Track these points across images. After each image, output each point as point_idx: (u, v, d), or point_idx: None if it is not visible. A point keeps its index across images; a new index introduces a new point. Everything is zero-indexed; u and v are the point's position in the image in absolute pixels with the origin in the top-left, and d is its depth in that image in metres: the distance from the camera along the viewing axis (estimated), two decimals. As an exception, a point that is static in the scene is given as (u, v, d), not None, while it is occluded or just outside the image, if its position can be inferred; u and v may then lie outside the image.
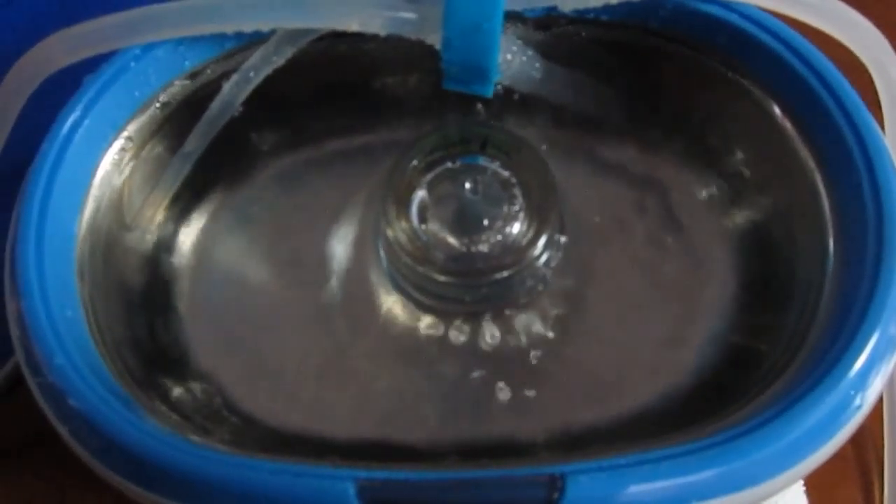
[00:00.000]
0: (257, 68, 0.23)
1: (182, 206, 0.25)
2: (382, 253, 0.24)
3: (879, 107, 0.22)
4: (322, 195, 0.25)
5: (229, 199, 0.26)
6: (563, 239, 0.23)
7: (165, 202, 0.24)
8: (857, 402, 0.18)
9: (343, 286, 0.24)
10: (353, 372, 0.23)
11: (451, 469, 0.18)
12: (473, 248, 0.22)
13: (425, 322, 0.24)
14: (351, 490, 0.17)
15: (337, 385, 0.23)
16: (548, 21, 0.23)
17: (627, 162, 0.25)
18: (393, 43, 0.22)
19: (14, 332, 0.20)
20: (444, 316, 0.23)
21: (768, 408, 0.18)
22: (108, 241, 0.23)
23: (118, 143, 0.23)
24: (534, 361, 0.23)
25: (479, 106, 0.25)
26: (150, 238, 0.24)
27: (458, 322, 0.23)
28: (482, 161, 0.23)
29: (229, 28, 0.22)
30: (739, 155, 0.24)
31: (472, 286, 0.22)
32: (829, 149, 0.21)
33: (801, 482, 0.24)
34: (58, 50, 0.22)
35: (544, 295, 0.23)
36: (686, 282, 0.23)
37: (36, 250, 0.20)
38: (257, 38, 0.23)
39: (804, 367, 0.19)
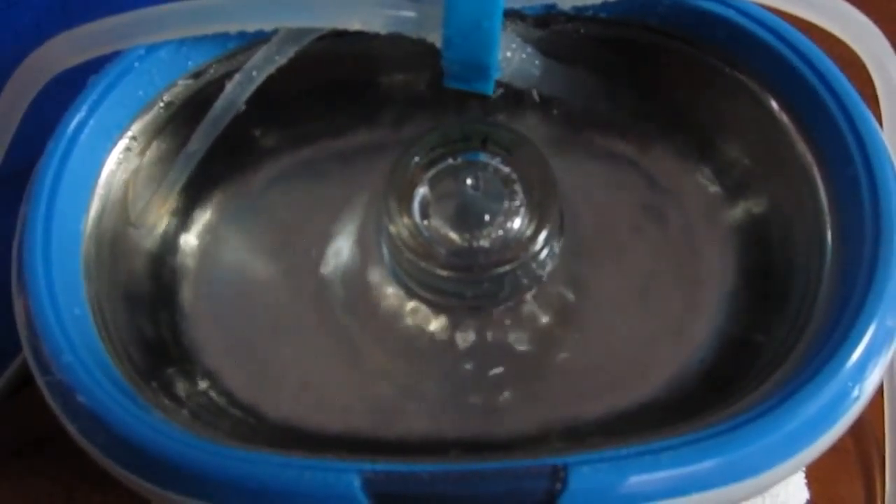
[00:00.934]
0: (260, 68, 0.23)
1: (186, 205, 0.25)
2: (385, 249, 0.24)
3: (878, 101, 0.23)
4: (325, 192, 0.26)
5: (233, 198, 0.26)
6: (562, 234, 0.24)
7: (170, 201, 0.24)
8: (856, 393, 0.18)
9: (346, 282, 0.24)
10: (357, 367, 0.23)
11: (455, 461, 0.18)
12: (475, 244, 0.22)
13: (428, 317, 0.24)
14: (356, 482, 0.17)
15: (341, 380, 0.23)
16: (547, 18, 0.23)
17: (626, 157, 0.25)
18: (394, 41, 0.22)
19: (22, 330, 0.20)
20: (447, 311, 0.24)
21: (767, 398, 0.18)
22: (113, 240, 0.23)
23: (123, 143, 0.23)
24: (536, 355, 0.23)
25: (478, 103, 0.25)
26: (155, 236, 0.25)
27: (460, 317, 0.23)
28: (483, 157, 0.23)
29: (232, 28, 0.22)
30: (738, 149, 0.24)
31: (473, 281, 0.23)
32: (827, 143, 0.21)
33: (803, 475, 0.24)
34: (62, 51, 0.22)
35: (545, 289, 0.24)
36: (685, 275, 0.24)
37: (43, 249, 0.20)
38: (260, 38, 0.23)
39: (803, 358, 0.19)
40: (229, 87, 0.23)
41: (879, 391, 0.23)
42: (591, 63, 0.24)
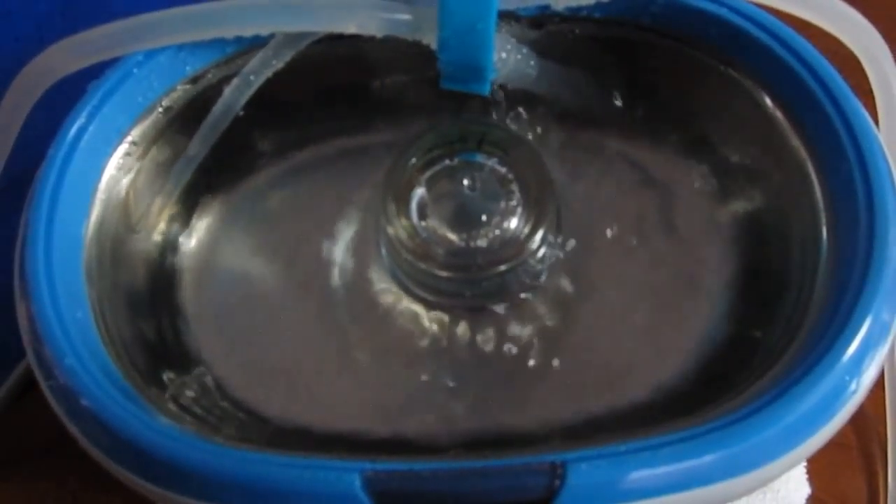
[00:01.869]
0: (258, 72, 0.23)
1: (186, 208, 0.25)
2: (384, 250, 0.24)
3: (871, 96, 0.23)
4: (324, 195, 0.26)
5: (232, 201, 0.26)
6: (560, 233, 0.24)
7: (170, 204, 0.25)
8: (853, 386, 0.18)
9: (345, 283, 0.25)
10: (357, 367, 0.23)
11: (455, 459, 0.18)
12: (472, 244, 0.23)
13: (427, 317, 0.24)
14: (357, 481, 0.17)
15: (341, 380, 0.23)
16: (541, 19, 0.24)
17: (622, 155, 0.25)
18: (390, 44, 0.22)
19: (25, 335, 0.20)
20: (446, 310, 0.24)
21: (765, 393, 0.18)
22: (114, 244, 0.23)
23: (123, 148, 0.23)
24: (534, 354, 0.23)
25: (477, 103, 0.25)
26: (156, 240, 0.25)
27: (458, 316, 0.24)
28: (480, 158, 0.23)
29: (229, 33, 0.22)
30: (732, 146, 0.24)
31: (472, 281, 0.23)
32: (820, 138, 0.21)
33: (804, 470, 0.24)
34: (62, 58, 0.22)
35: (543, 288, 0.24)
36: (682, 272, 0.24)
37: (45, 254, 0.20)
38: (257, 43, 0.23)
39: (800, 352, 0.19)
40: (227, 91, 0.23)
41: (881, 385, 0.24)
42: (586, 63, 0.24)
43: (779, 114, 0.22)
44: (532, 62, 0.23)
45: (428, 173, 0.23)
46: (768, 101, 0.22)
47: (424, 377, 0.23)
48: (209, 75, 0.24)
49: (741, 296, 0.23)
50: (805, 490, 0.24)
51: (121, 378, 0.20)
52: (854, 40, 0.22)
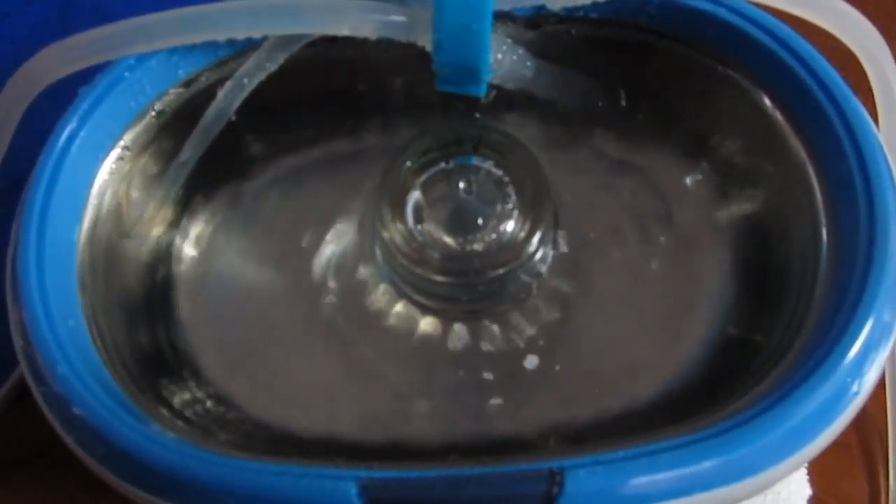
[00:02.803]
0: (251, 75, 0.23)
1: (180, 213, 0.25)
2: (379, 255, 0.24)
3: (870, 94, 0.23)
4: (318, 199, 0.26)
5: (226, 205, 0.26)
6: (557, 235, 0.24)
7: (163, 209, 0.24)
8: (855, 388, 0.18)
9: (341, 289, 0.24)
10: (354, 373, 0.23)
11: (452, 467, 0.18)
12: (469, 248, 0.22)
13: (424, 322, 0.24)
14: (353, 489, 0.17)
15: (338, 387, 0.23)
16: (537, 20, 0.23)
17: (620, 157, 0.25)
18: (384, 46, 0.22)
19: (17, 342, 0.20)
20: (443, 315, 0.24)
21: (766, 396, 0.18)
22: (107, 250, 0.23)
23: (115, 153, 0.23)
24: (532, 359, 0.23)
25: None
26: (150, 245, 0.25)
27: (456, 321, 0.23)
28: (475, 161, 0.23)
29: (221, 36, 0.22)
30: (732, 147, 0.24)
31: (468, 285, 0.23)
32: (820, 138, 0.21)
33: (805, 472, 0.24)
34: (53, 62, 0.22)
35: (541, 292, 0.24)
36: (681, 275, 0.23)
37: (36, 260, 0.20)
38: (250, 46, 0.23)
39: (801, 355, 0.19)
40: (220, 95, 0.23)
41: (882, 386, 0.23)
42: (583, 63, 0.24)
43: (778, 114, 0.22)
44: (528, 63, 0.23)
45: (423, 177, 0.23)
46: (767, 101, 0.22)
47: (421, 383, 0.23)
48: (202, 79, 0.24)
49: (741, 298, 0.23)
50: (806, 491, 0.24)
51: (114, 385, 0.20)
52: (853, 38, 0.22)
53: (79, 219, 0.22)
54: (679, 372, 0.22)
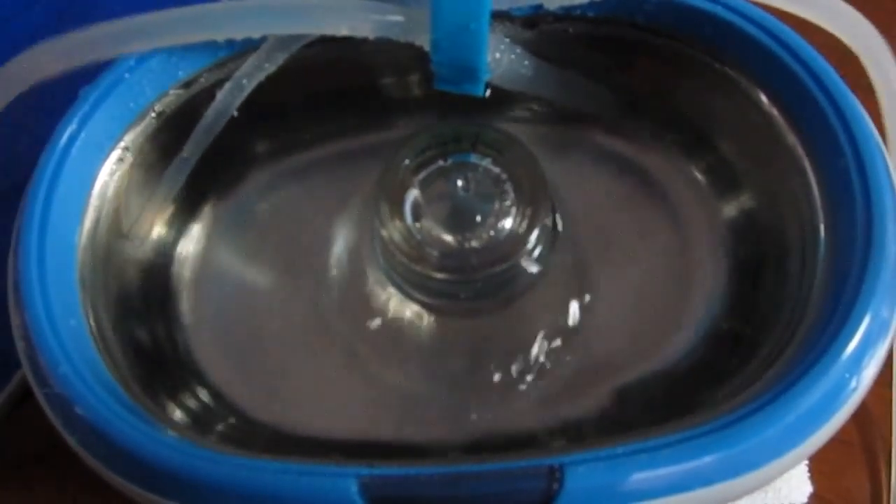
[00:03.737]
0: (250, 75, 0.23)
1: (180, 214, 0.25)
2: (378, 253, 0.24)
3: (867, 91, 0.23)
4: (318, 198, 0.26)
5: (226, 205, 0.26)
6: (556, 232, 0.24)
7: (164, 210, 0.25)
8: (853, 383, 0.18)
9: (341, 287, 0.24)
10: (353, 371, 0.23)
11: (452, 464, 0.18)
12: (467, 245, 0.22)
13: (423, 319, 0.24)
14: (353, 487, 0.17)
15: (337, 385, 0.23)
16: (535, 19, 0.24)
17: (618, 154, 0.25)
18: (383, 46, 0.22)
19: (19, 343, 0.20)
20: (442, 313, 0.24)
21: (765, 392, 0.18)
22: (108, 250, 0.23)
23: (115, 154, 0.23)
24: (530, 355, 0.23)
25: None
26: (150, 245, 0.25)
27: (455, 318, 0.24)
28: (473, 158, 0.23)
29: (220, 36, 0.22)
30: (729, 144, 0.24)
31: (467, 282, 0.23)
32: (816, 135, 0.21)
33: (806, 468, 0.24)
34: (45, 59, 0.22)
35: (539, 288, 0.24)
36: (680, 271, 0.24)
37: (38, 262, 0.20)
38: (249, 46, 0.23)
39: (800, 350, 0.19)
40: (220, 95, 0.23)
41: (883, 383, 0.23)
42: (581, 62, 0.24)
43: (775, 111, 0.22)
44: (526, 62, 0.23)
45: (422, 174, 0.23)
46: (764, 98, 0.22)
47: (421, 380, 0.23)
48: (201, 80, 0.24)
49: (739, 294, 0.23)
50: (807, 488, 0.24)
51: (115, 385, 0.20)
52: (850, 36, 0.22)
53: (79, 220, 0.22)
54: (678, 367, 0.22)
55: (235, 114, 0.23)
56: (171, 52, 0.23)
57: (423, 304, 0.24)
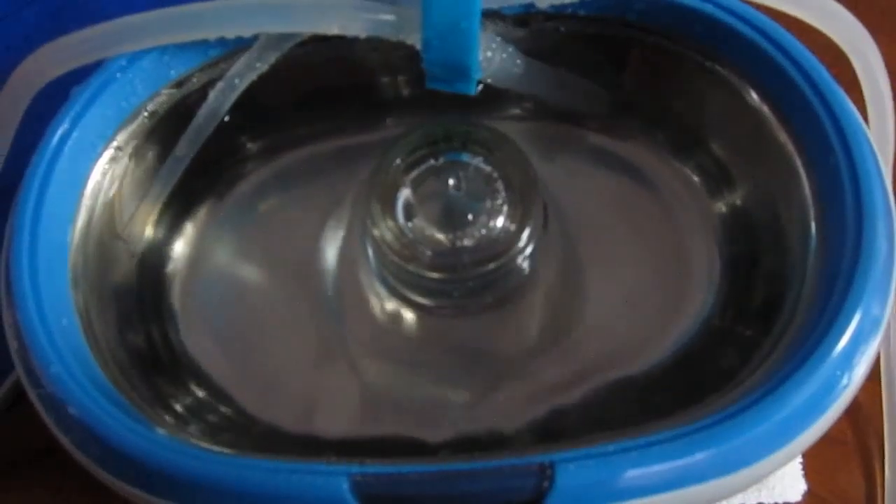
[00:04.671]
0: (242, 75, 0.23)
1: (173, 213, 0.25)
2: (370, 252, 0.24)
3: (857, 87, 0.23)
4: (310, 197, 0.26)
5: (218, 205, 0.26)
6: (547, 230, 0.24)
7: (156, 209, 0.25)
8: (845, 381, 0.18)
9: (333, 286, 0.24)
10: (346, 370, 0.23)
11: (443, 462, 0.18)
12: (459, 244, 0.22)
13: (415, 318, 0.24)
14: (345, 485, 0.17)
15: (329, 383, 0.23)
16: (526, 18, 0.24)
17: (610, 152, 0.25)
18: (374, 45, 0.22)
19: (12, 344, 0.20)
20: (434, 311, 0.24)
21: (757, 389, 0.18)
22: (100, 250, 0.23)
23: (108, 153, 0.23)
24: (522, 352, 0.23)
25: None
26: (143, 245, 0.25)
27: (447, 317, 0.24)
28: (465, 157, 0.23)
29: (212, 35, 0.22)
30: (720, 141, 0.24)
31: (459, 281, 0.23)
32: (807, 132, 0.21)
33: (800, 466, 0.24)
34: (47, 62, 0.22)
35: (531, 286, 0.24)
36: (671, 269, 0.24)
37: (30, 261, 0.20)
38: (241, 46, 0.23)
39: (791, 348, 0.19)
40: (212, 95, 0.23)
41: (876, 380, 0.24)
42: (572, 60, 0.24)
43: (765, 109, 0.22)
44: (518, 61, 0.23)
45: (413, 174, 0.23)
46: (755, 96, 0.22)
47: (412, 378, 0.23)
48: (194, 79, 0.24)
49: (731, 292, 0.23)
50: (802, 486, 0.24)
51: (108, 385, 0.20)
52: (839, 35, 0.22)
53: (72, 219, 0.22)
54: (669, 364, 0.22)
55: (227, 115, 0.23)
56: (162, 51, 0.23)
57: (416, 304, 0.24)
